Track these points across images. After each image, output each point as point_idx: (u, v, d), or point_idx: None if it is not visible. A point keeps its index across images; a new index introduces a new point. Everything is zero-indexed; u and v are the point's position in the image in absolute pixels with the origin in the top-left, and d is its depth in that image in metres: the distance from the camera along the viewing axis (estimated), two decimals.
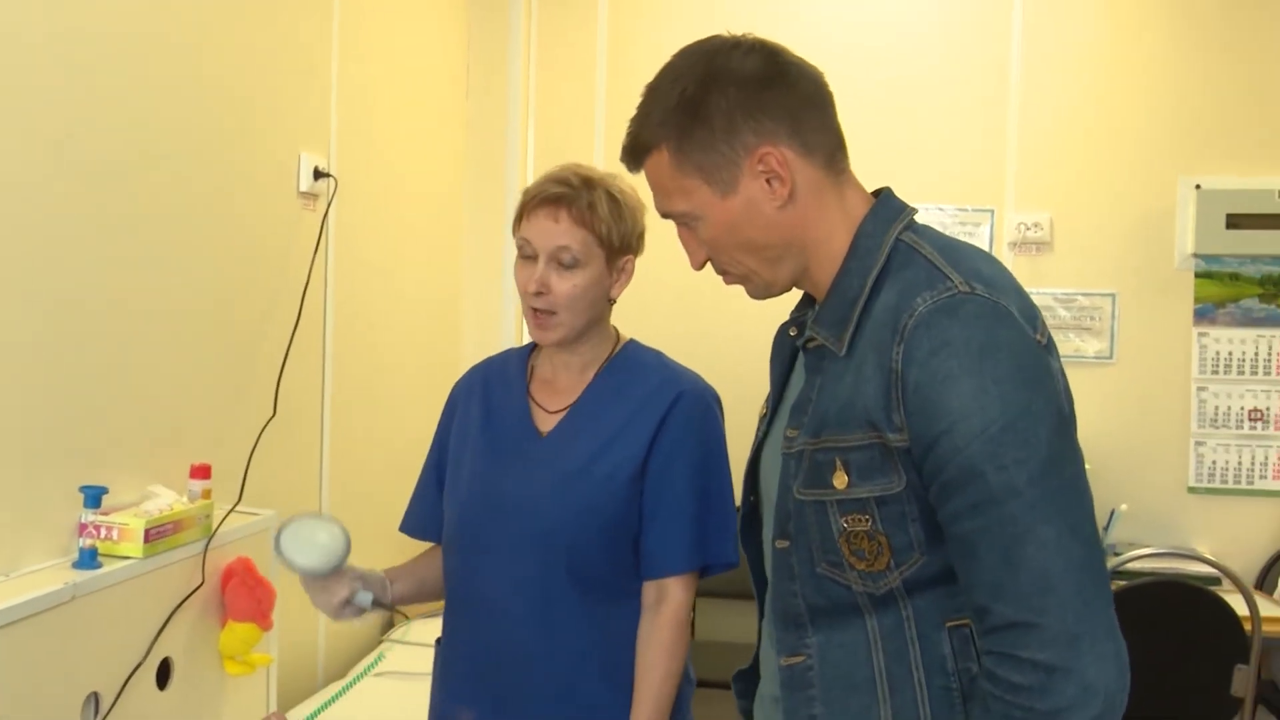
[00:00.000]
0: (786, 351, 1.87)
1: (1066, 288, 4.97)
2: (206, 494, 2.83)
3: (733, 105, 1.65)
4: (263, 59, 3.34)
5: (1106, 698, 1.46)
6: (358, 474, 4.04)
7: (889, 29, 5.09)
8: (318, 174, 3.62)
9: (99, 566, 2.43)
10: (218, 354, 3.13)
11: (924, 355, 1.54)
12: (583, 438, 2.34)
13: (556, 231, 2.29)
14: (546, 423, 2.39)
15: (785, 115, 1.67)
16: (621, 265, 2.35)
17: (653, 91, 1.73)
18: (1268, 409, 4.86)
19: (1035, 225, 4.95)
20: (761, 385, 1.92)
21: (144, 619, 2.56)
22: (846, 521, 1.62)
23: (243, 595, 2.81)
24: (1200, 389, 4.91)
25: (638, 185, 2.32)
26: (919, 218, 1.75)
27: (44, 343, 2.46)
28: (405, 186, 4.57)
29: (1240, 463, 4.88)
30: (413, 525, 2.54)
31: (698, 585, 2.38)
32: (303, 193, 3.58)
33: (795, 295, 1.88)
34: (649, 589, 2.33)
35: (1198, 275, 4.91)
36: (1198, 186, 4.85)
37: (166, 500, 2.70)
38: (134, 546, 2.51)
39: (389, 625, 4.35)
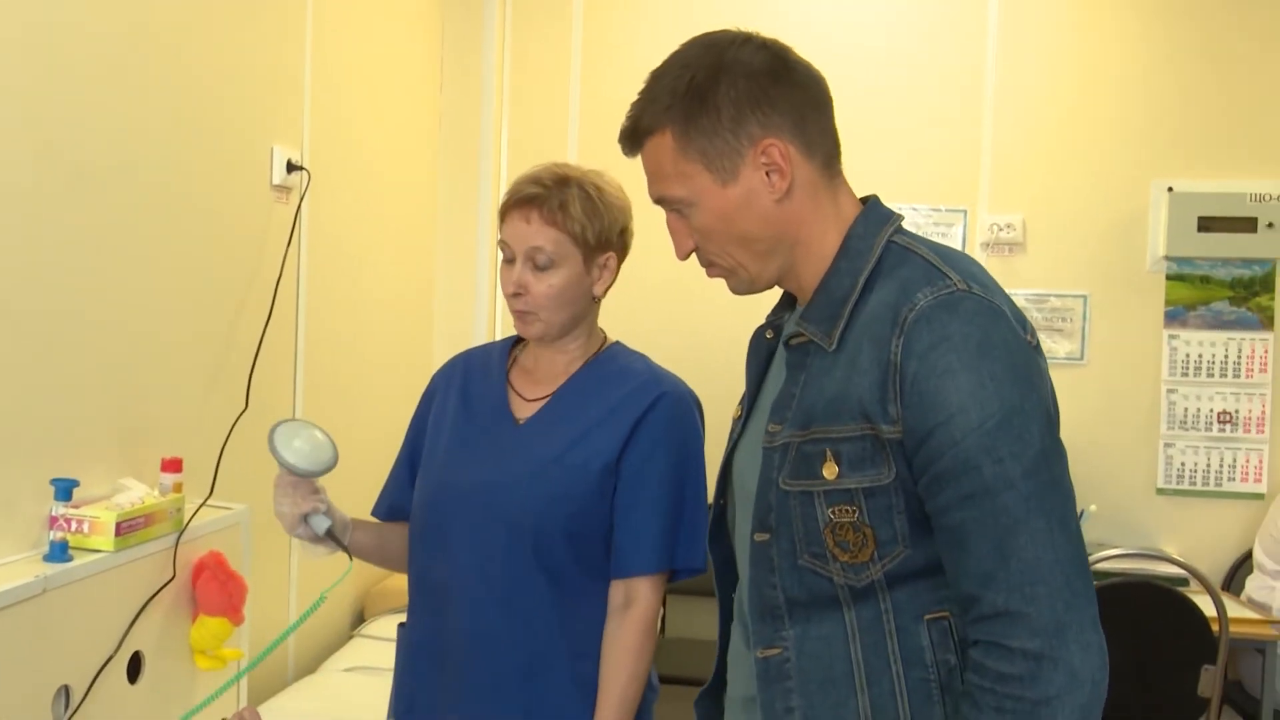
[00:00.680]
0: (763, 353, 1.88)
1: (1038, 289, 5.00)
2: (178, 487, 2.82)
3: (741, 95, 1.67)
4: (235, 51, 3.32)
5: (1093, 686, 1.49)
6: None
7: (864, 31, 5.10)
8: (290, 167, 3.61)
9: (70, 560, 2.42)
10: (190, 347, 3.12)
11: (923, 348, 1.56)
12: (559, 427, 2.34)
13: (529, 232, 2.29)
14: (524, 410, 2.39)
15: (791, 112, 1.69)
16: (602, 263, 2.34)
17: (659, 77, 1.74)
18: (1237, 411, 4.90)
19: (1008, 226, 4.97)
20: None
21: (115, 612, 2.55)
22: (833, 512, 1.63)
23: (214, 590, 2.80)
24: (1170, 391, 4.94)
25: (624, 182, 2.33)
26: None
27: (14, 336, 2.44)
28: (379, 180, 4.55)
29: (1209, 465, 4.91)
30: (383, 509, 2.53)
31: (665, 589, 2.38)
32: (275, 186, 3.56)
33: (774, 297, 1.89)
34: (617, 590, 2.32)
35: (1169, 278, 4.94)
36: (1170, 189, 4.88)
37: (138, 493, 2.69)
38: (105, 540, 2.50)
39: (358, 620, 4.33)
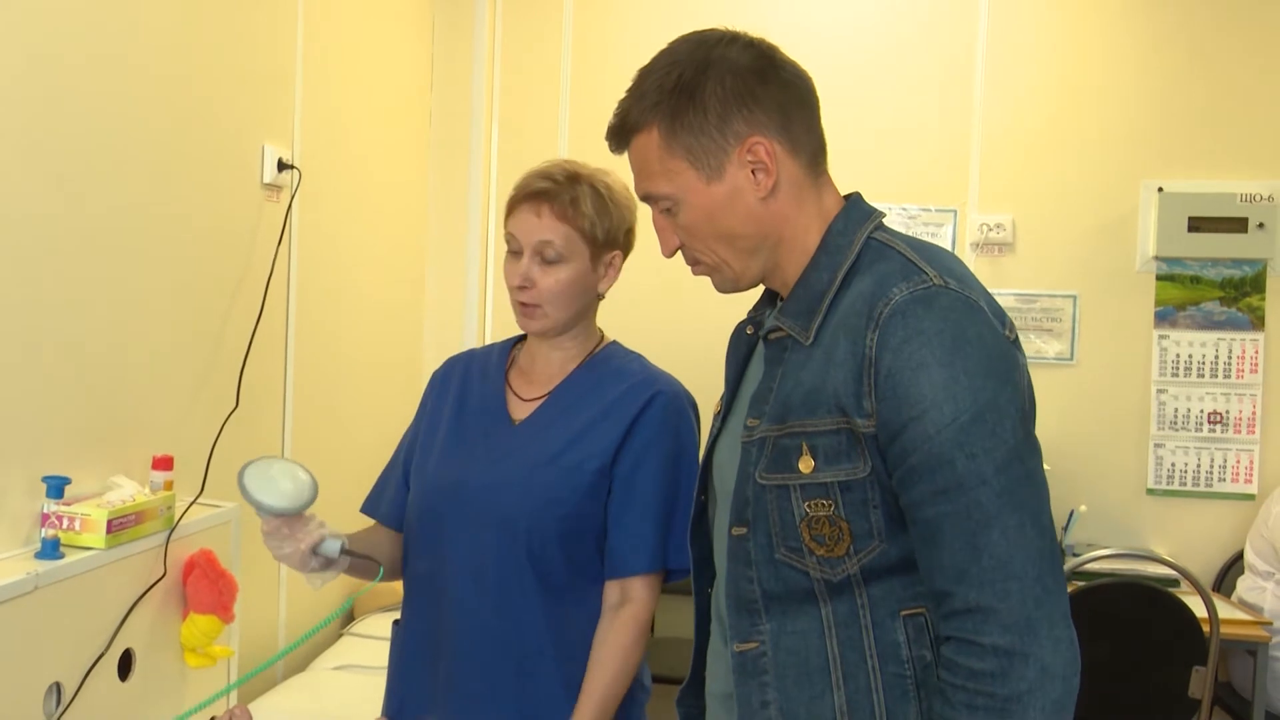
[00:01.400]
0: (743, 349, 1.89)
1: (1028, 289, 5.00)
2: (169, 485, 2.82)
3: (728, 93, 1.68)
4: (226, 50, 3.32)
5: (1064, 681, 1.50)
6: (319, 466, 4.00)
7: (854, 30, 5.10)
8: (281, 166, 3.61)
9: (61, 557, 2.42)
10: (180, 345, 3.12)
11: (898, 343, 1.56)
12: (555, 427, 2.34)
13: (539, 226, 2.30)
14: (520, 410, 2.39)
15: (777, 110, 1.70)
16: (608, 260, 2.36)
17: (647, 74, 1.75)
18: (1227, 412, 4.90)
19: (998, 226, 4.97)
20: None
21: (106, 610, 2.55)
22: (809, 506, 1.64)
23: (204, 587, 2.80)
24: (1160, 391, 4.94)
25: (629, 181, 2.34)
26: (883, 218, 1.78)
27: (5, 333, 2.44)
28: (369, 179, 4.55)
29: (1199, 465, 4.92)
30: (370, 506, 2.53)
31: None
32: (266, 184, 3.56)
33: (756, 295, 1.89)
34: (612, 590, 2.32)
35: (1159, 278, 4.95)
36: (1160, 189, 4.88)
37: (129, 491, 2.69)
38: (96, 537, 2.50)
39: (348, 619, 4.33)
